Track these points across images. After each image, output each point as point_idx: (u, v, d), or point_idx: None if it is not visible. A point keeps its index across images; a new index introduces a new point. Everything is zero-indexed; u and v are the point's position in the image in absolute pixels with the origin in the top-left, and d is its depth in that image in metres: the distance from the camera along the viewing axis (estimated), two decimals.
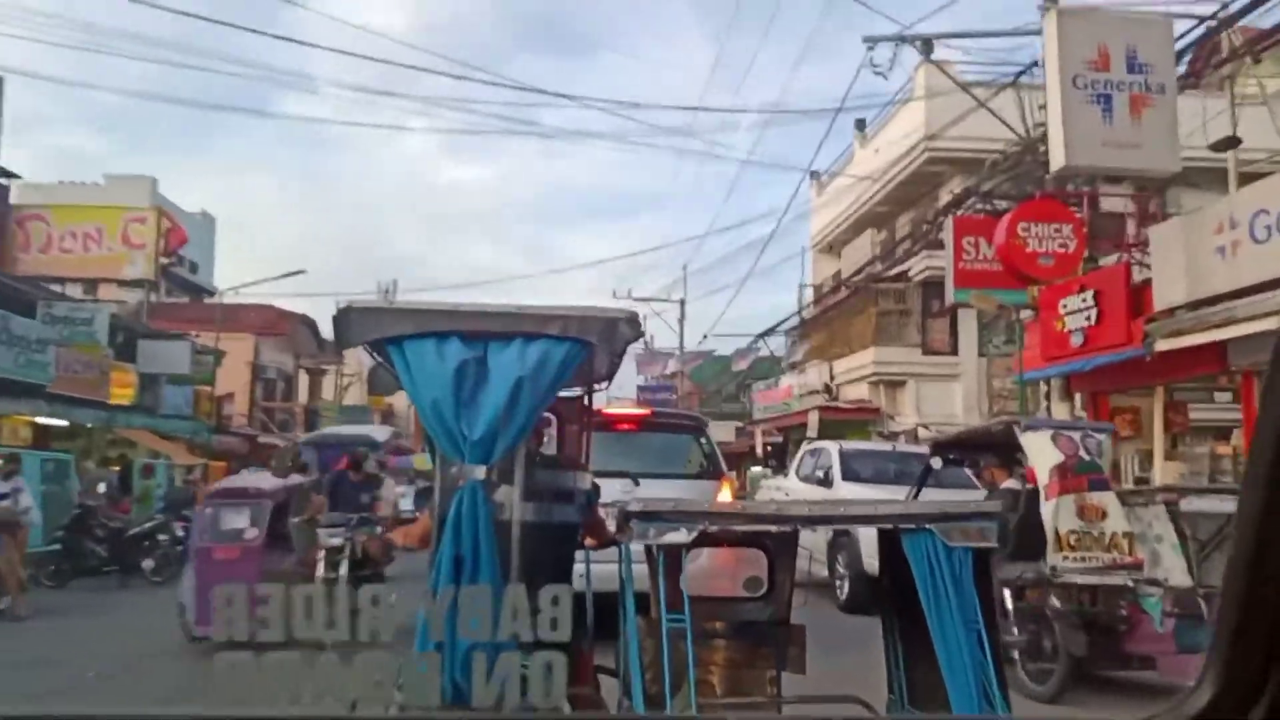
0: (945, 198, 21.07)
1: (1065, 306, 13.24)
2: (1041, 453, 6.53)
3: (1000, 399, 21.67)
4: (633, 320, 3.62)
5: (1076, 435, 6.68)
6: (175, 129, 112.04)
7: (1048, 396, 15.82)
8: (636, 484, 7.15)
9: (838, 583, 10.70)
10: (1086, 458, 6.60)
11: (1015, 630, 6.78)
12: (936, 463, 7.54)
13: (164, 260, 22.86)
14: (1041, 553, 6.63)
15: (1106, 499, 6.57)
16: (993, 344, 22.22)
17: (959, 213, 15.32)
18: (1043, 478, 6.57)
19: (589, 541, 4.20)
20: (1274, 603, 1.15)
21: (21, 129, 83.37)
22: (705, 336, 26.25)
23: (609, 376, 4.69)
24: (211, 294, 36.71)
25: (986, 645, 3.07)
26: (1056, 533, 6.46)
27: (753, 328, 24.67)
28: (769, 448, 26.58)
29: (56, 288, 21.54)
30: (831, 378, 24.31)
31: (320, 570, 8.27)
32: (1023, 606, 6.77)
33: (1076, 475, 6.53)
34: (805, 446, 13.73)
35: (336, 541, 8.36)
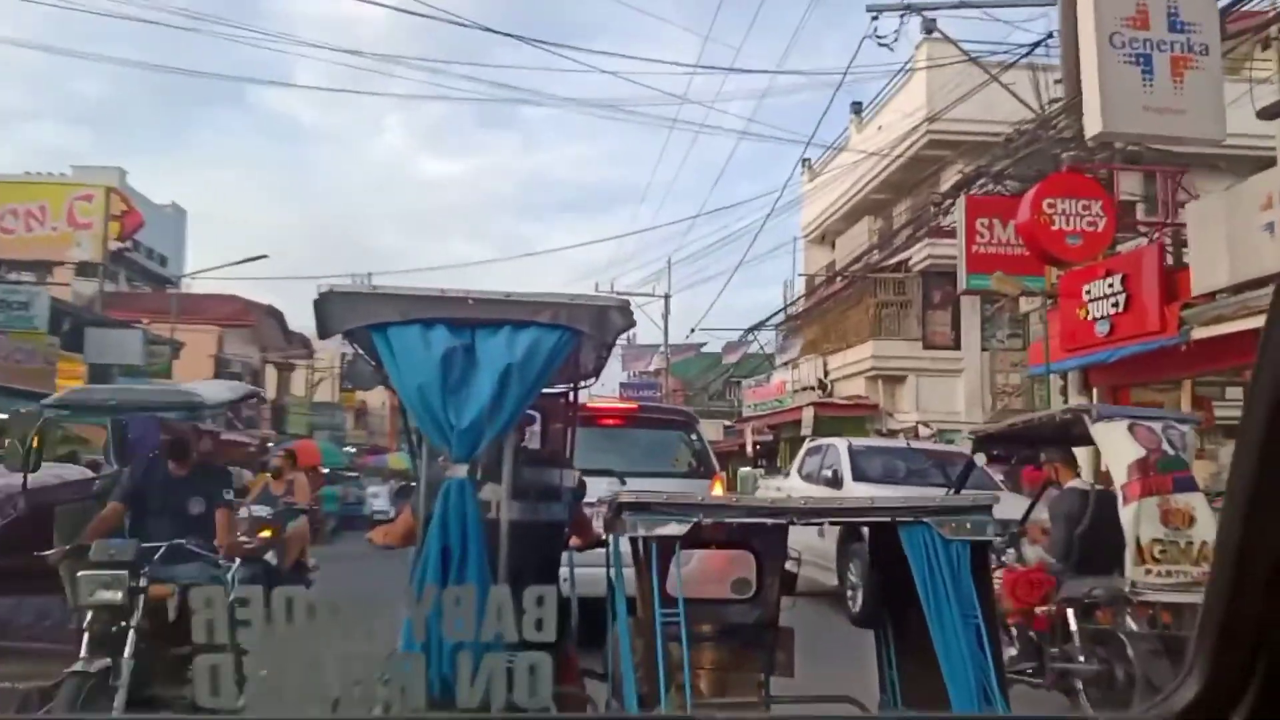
0: (947, 183, 20.13)
1: (1089, 293, 12.20)
2: (1117, 446, 5.45)
3: (1005, 395, 20.72)
4: (624, 309, 3.52)
5: (1158, 426, 5.59)
6: (149, 123, 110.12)
7: (1064, 391, 14.82)
8: (623, 483, 6.49)
9: (849, 592, 9.65)
10: (1170, 452, 5.51)
11: (1082, 657, 5.70)
12: (981, 459, 6.44)
13: (119, 245, 21.46)
14: (1115, 566, 5.56)
15: (1194, 501, 5.49)
16: (996, 338, 21.31)
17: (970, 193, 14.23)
18: (1120, 476, 5.48)
19: (574, 541, 4.13)
20: (1259, 597, 1.15)
21: None
22: (693, 330, 25.12)
23: (597, 371, 4.53)
24: (177, 285, 35.40)
25: (986, 641, 3.03)
26: (1138, 542, 5.37)
27: (736, 324, 23.58)
28: (758, 446, 25.54)
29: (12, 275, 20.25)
30: (825, 373, 23.27)
31: (83, 647, 4.40)
32: (1092, 629, 5.68)
33: (1160, 474, 5.44)
34: (808, 444, 12.64)
35: (111, 596, 4.45)
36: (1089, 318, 12.20)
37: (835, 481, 10.09)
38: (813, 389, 23.04)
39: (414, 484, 4.03)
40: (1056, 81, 14.98)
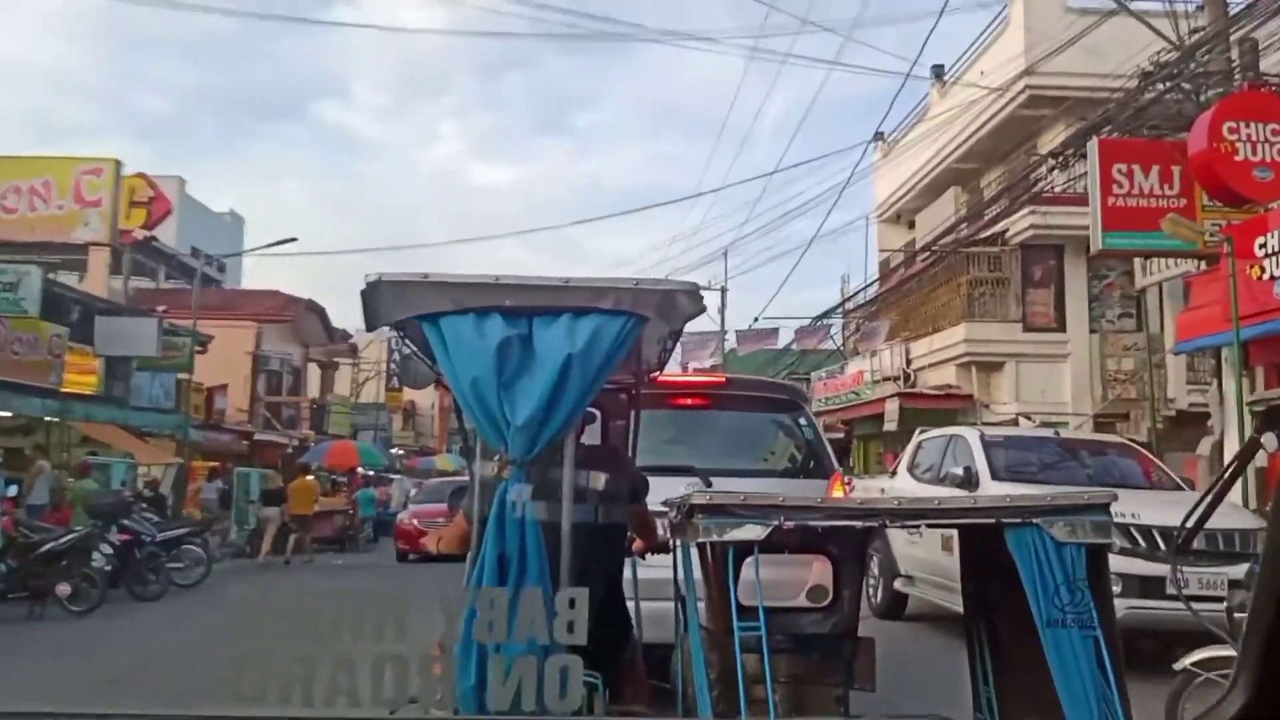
0: (1046, 147, 17.81)
1: (1264, 246, 9.89)
2: None
3: (1116, 382, 18.30)
4: (693, 293, 3.24)
5: None
6: (209, 135, 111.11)
7: (1216, 372, 12.47)
8: (708, 484, 5.13)
9: None
10: None
11: None
12: (1271, 442, 4.31)
13: (145, 233, 20.03)
14: None
15: None
16: (1106, 318, 18.87)
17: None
18: None
19: (637, 545, 3.96)
20: None
21: (64, 139, 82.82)
22: (755, 320, 23.05)
23: (661, 364, 4.29)
24: (219, 283, 34.27)
25: (1107, 658, 2.78)
26: None
27: (787, 325, 21.29)
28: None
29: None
30: (908, 362, 20.98)
31: None
32: None
33: None
34: (920, 437, 10.48)
35: None
36: (1265, 277, 9.88)
37: (969, 481, 7.96)
38: (895, 379, 20.78)
39: (468, 484, 3.91)
40: (1198, 7, 12.74)
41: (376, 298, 3.16)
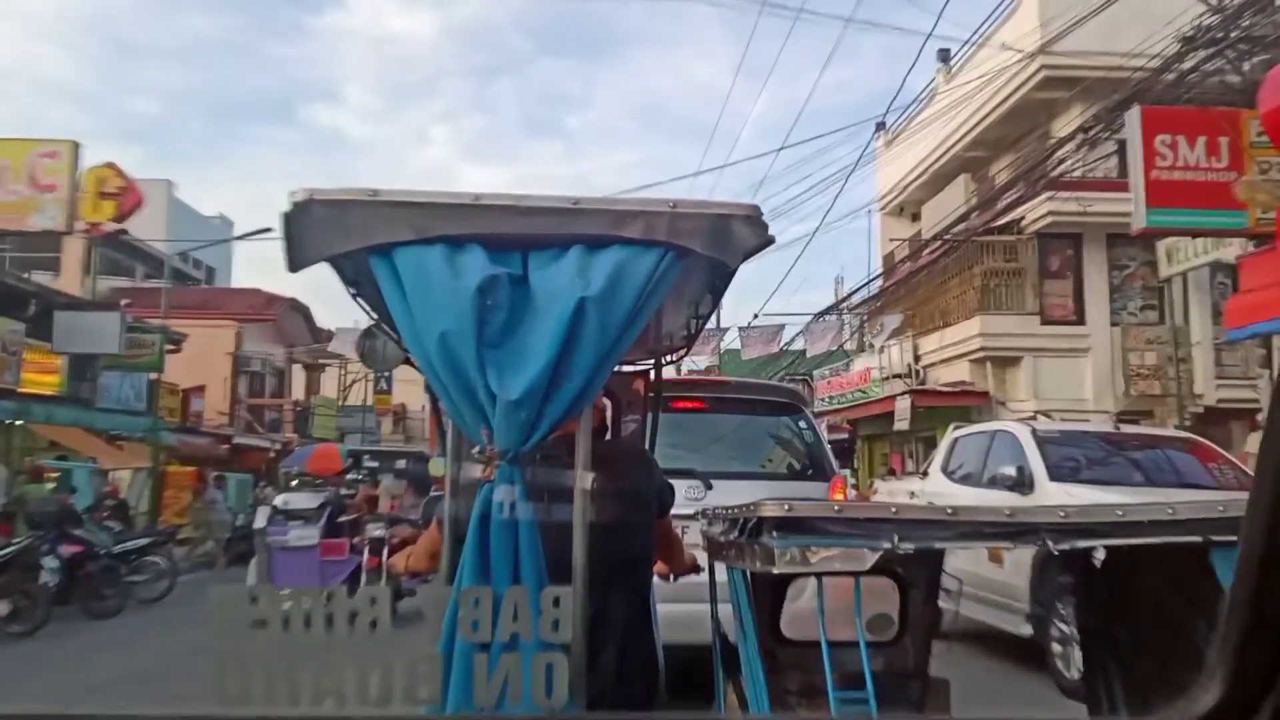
0: (1061, 131, 16.94)
1: None
2: None
3: (1139, 377, 17.39)
4: (753, 219, 2.30)
5: None
6: (198, 139, 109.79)
7: (1267, 361, 11.56)
8: (709, 488, 5.31)
9: (1057, 648, 6.58)
10: None
11: None
12: None
13: (115, 226, 18.98)
14: None
15: None
16: (1127, 310, 17.98)
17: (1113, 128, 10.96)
18: None
19: (659, 567, 3.15)
20: None
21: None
22: (755, 316, 22.06)
23: (690, 337, 3.42)
24: (197, 281, 33.20)
25: None
26: None
27: (790, 323, 20.36)
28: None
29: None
30: (917, 358, 20.06)
31: None
32: None
33: None
34: (954, 433, 9.53)
35: None
36: None
37: (1021, 483, 7.01)
38: (903, 376, 19.87)
39: (439, 493, 3.04)
40: None
41: (305, 224, 2.26)
